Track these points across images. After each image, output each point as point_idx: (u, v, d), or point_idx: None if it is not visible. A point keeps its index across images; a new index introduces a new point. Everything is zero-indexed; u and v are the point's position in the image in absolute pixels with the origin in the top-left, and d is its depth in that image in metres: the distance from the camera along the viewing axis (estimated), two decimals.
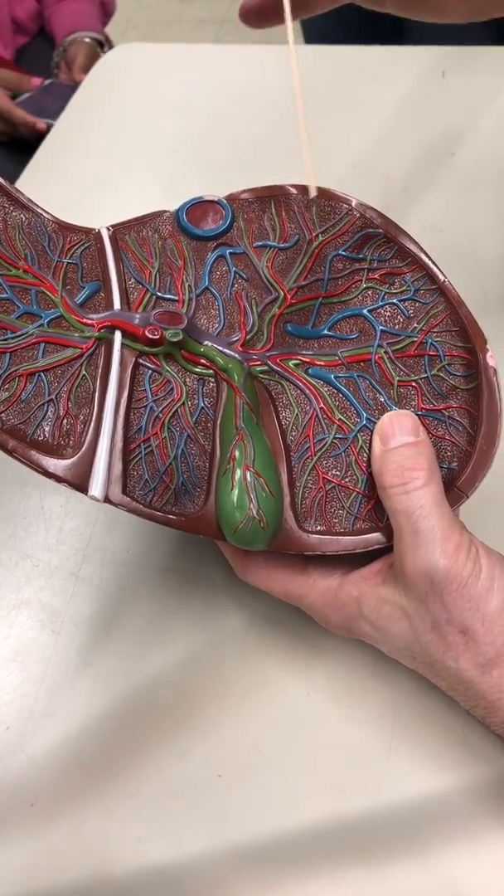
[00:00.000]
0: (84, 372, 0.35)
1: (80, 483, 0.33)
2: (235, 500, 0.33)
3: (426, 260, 0.38)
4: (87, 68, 1.11)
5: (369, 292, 0.38)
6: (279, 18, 0.38)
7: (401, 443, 0.34)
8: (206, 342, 0.36)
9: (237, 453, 0.34)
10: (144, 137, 0.75)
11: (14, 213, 0.37)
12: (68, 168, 0.74)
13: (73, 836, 0.37)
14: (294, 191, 0.39)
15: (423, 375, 0.37)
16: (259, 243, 0.38)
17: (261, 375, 0.37)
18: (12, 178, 0.56)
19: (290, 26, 0.34)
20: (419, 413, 0.36)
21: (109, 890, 0.35)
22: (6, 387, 0.34)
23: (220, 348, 0.36)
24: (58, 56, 1.25)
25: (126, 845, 0.36)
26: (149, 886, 0.35)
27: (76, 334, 0.35)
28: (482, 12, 0.38)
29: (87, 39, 1.24)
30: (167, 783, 0.38)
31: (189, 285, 0.38)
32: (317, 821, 0.36)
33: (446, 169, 0.66)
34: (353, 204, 0.38)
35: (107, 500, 0.33)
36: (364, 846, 0.35)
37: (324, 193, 0.38)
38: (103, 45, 1.27)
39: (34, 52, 1.28)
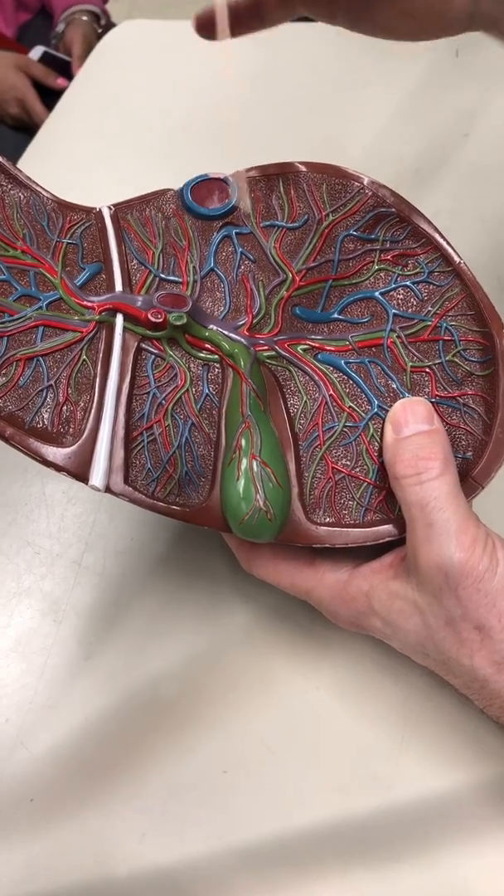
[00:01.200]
0: (84, 357, 0.34)
1: (80, 472, 0.32)
2: (241, 490, 0.32)
3: (441, 241, 0.36)
4: (84, 57, 1.10)
5: (381, 274, 0.37)
6: (237, 30, 0.36)
7: (414, 431, 0.33)
8: (211, 326, 0.35)
9: (243, 442, 0.33)
10: (149, 117, 0.74)
11: (12, 192, 0.36)
12: (71, 148, 0.73)
13: (73, 834, 0.36)
14: (304, 168, 0.37)
15: (438, 361, 0.36)
16: (267, 223, 0.37)
17: (268, 361, 0.35)
18: (14, 158, 0.55)
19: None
20: (433, 400, 0.35)
21: (111, 890, 0.35)
22: (3, 372, 0.33)
23: (226, 332, 0.35)
24: (55, 38, 1.23)
25: (129, 843, 0.36)
26: (152, 886, 0.35)
27: (76, 317, 0.34)
28: (429, 33, 0.37)
29: (84, 17, 1.22)
30: (171, 779, 0.37)
31: (194, 267, 0.36)
32: (325, 820, 0.35)
33: (460, 150, 0.65)
34: (365, 182, 0.37)
35: (108, 490, 0.32)
36: (374, 846, 0.35)
37: (335, 171, 0.37)
38: (100, 18, 1.25)
39: (36, 29, 1.26)
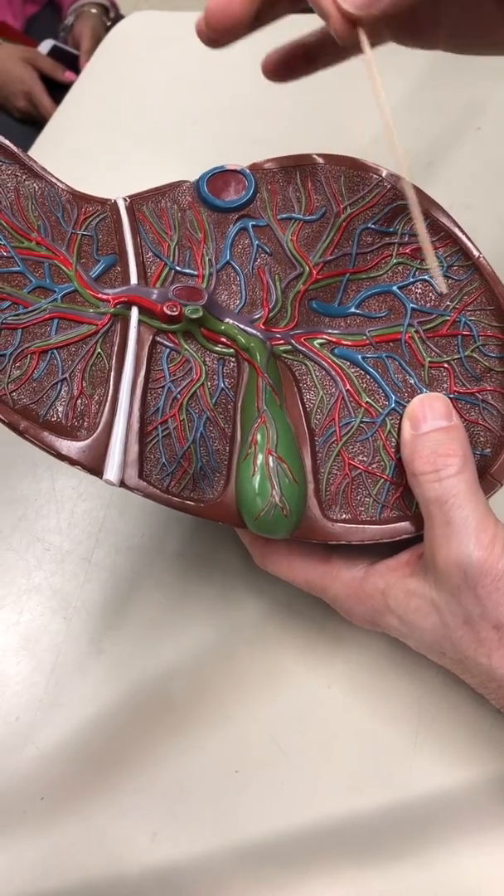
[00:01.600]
0: (99, 350, 0.33)
1: (94, 466, 0.32)
2: (257, 486, 0.31)
3: (460, 234, 0.36)
4: (93, 51, 1.09)
5: (399, 268, 0.36)
6: (305, 69, 0.35)
7: (433, 427, 0.32)
8: (226, 319, 0.35)
9: (259, 437, 0.32)
10: (159, 109, 0.73)
11: (27, 183, 0.35)
12: (79, 141, 0.72)
13: (84, 833, 0.36)
14: (321, 160, 0.37)
15: (456, 356, 0.35)
16: (283, 215, 0.36)
17: (284, 355, 0.35)
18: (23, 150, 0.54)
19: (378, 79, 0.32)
20: (451, 396, 0.35)
21: (122, 889, 0.34)
22: (17, 365, 0.32)
23: (242, 326, 0.35)
24: (64, 31, 1.22)
25: (139, 843, 0.35)
26: (163, 885, 0.34)
27: (91, 310, 0.34)
28: None
29: (93, 10, 1.21)
30: (182, 778, 0.37)
31: (209, 259, 0.36)
32: (338, 819, 0.35)
33: (472, 143, 0.64)
34: (384, 174, 0.36)
35: (122, 484, 0.32)
36: (387, 846, 0.34)
37: (353, 163, 0.36)
38: (109, 10, 1.24)
39: (45, 22, 1.26)
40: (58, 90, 1.09)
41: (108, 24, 1.21)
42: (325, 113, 0.67)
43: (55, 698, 0.39)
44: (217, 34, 0.31)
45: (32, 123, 1.14)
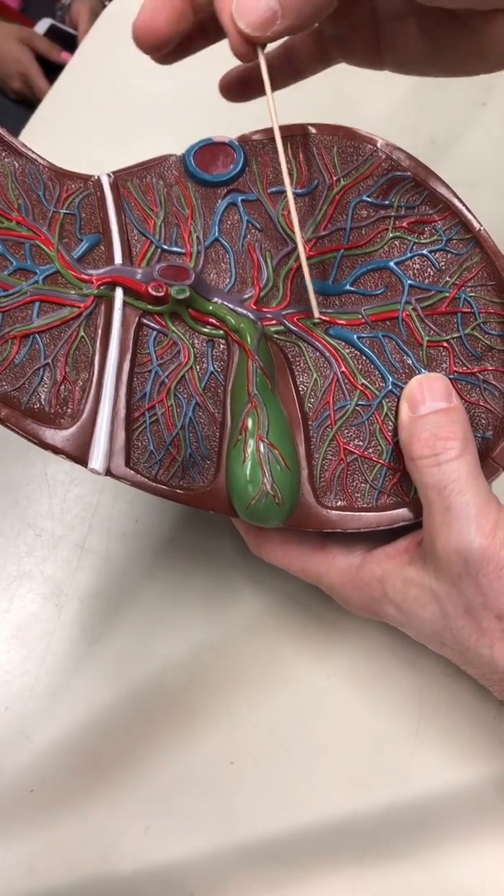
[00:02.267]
0: (82, 333, 0.32)
1: (79, 455, 0.31)
2: (248, 473, 0.30)
3: (460, 206, 0.34)
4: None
5: (396, 243, 0.35)
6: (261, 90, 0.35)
7: (432, 409, 0.31)
8: (215, 299, 0.33)
9: (250, 422, 0.31)
10: (155, 88, 0.71)
11: (7, 160, 0.34)
12: (74, 120, 0.70)
13: (76, 826, 0.35)
14: (314, 130, 0.35)
15: (456, 335, 0.34)
16: (274, 189, 0.35)
17: (276, 336, 0.34)
18: (15, 132, 0.53)
19: (271, 100, 0.32)
20: (451, 376, 0.33)
21: (114, 884, 0.34)
22: None
23: (231, 306, 0.33)
24: (61, 10, 1.20)
25: (132, 836, 0.35)
26: (156, 880, 0.34)
27: (73, 292, 0.32)
28: (497, 68, 0.34)
29: None
30: (176, 770, 0.36)
31: (197, 237, 0.34)
32: (336, 813, 0.34)
33: (477, 120, 0.62)
34: (379, 144, 0.35)
35: (108, 473, 0.31)
36: (387, 840, 0.34)
37: (346, 132, 0.35)
38: None
39: (41, 1, 1.23)
40: (54, 71, 1.07)
41: (107, 3, 1.19)
42: (325, 90, 0.65)
43: (46, 688, 0.39)
44: (149, 51, 0.32)
45: (27, 105, 1.11)
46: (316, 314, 0.33)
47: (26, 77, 1.08)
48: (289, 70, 0.37)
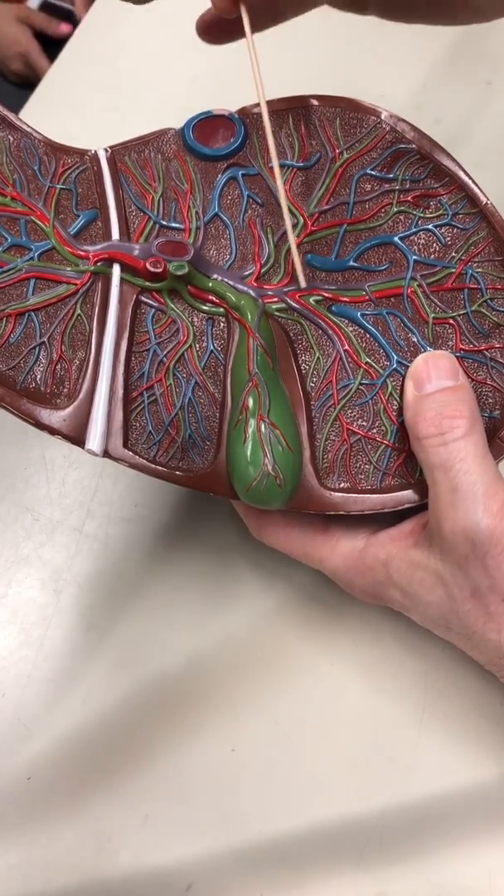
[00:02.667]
0: (79, 311, 0.31)
1: (76, 435, 0.30)
2: (249, 454, 0.30)
3: (466, 179, 0.34)
4: (88, 4, 1.05)
5: (401, 217, 0.34)
6: (240, 32, 0.33)
7: (438, 387, 0.30)
8: (215, 276, 0.33)
9: (250, 402, 0.30)
10: (157, 67, 0.70)
11: (1, 135, 0.33)
12: (75, 99, 0.70)
13: (73, 814, 0.35)
14: (316, 102, 0.34)
15: (462, 311, 0.33)
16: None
17: (277, 314, 0.33)
18: (15, 112, 0.52)
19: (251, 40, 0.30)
20: (457, 354, 0.32)
21: (112, 873, 0.33)
22: None
23: (232, 283, 0.33)
24: None
25: (131, 825, 0.34)
26: (154, 870, 0.33)
27: (69, 269, 0.32)
28: (484, 17, 0.32)
29: None
30: (176, 758, 0.35)
31: (196, 212, 0.33)
32: (339, 800, 0.34)
33: (482, 99, 0.61)
34: (383, 116, 0.34)
35: (106, 454, 0.30)
36: (391, 831, 0.33)
37: (349, 104, 0.34)
38: None
39: None
40: (53, 49, 1.05)
41: None
42: (328, 70, 0.64)
43: (44, 674, 0.38)
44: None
45: (29, 86, 1.10)
46: (303, 283, 0.32)
47: (27, 57, 1.06)
48: (268, 12, 0.34)
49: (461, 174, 0.34)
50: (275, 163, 0.31)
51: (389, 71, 0.65)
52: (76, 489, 0.44)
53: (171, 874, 0.33)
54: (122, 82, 0.70)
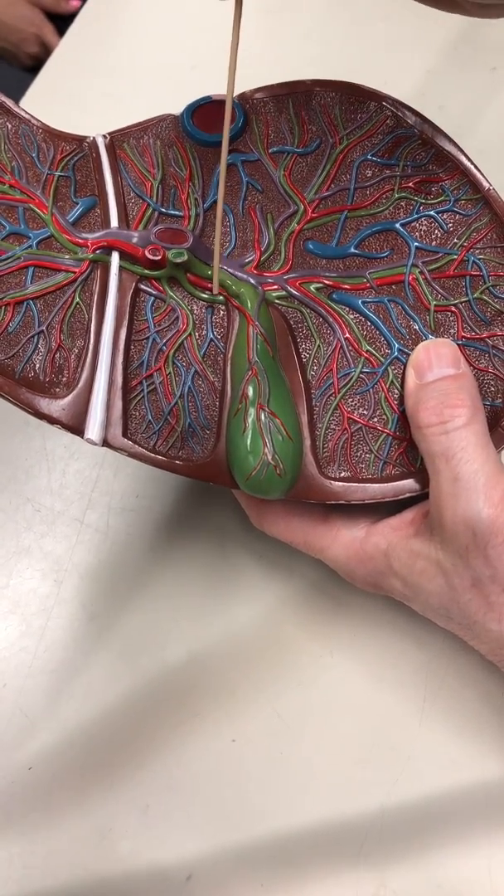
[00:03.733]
0: (78, 299, 0.31)
1: (75, 425, 0.30)
2: (248, 443, 0.29)
3: (468, 164, 0.33)
4: None
5: (402, 203, 0.33)
6: None
7: (439, 376, 0.30)
8: None
9: (250, 391, 0.30)
10: (158, 52, 0.70)
11: None
12: (76, 86, 0.69)
13: (74, 804, 0.35)
14: (316, 87, 0.34)
15: (464, 299, 0.33)
16: (275, 149, 0.34)
17: (277, 302, 0.33)
18: (16, 96, 0.52)
19: None
20: (459, 342, 0.32)
21: (113, 862, 0.33)
22: None
23: (231, 271, 0.32)
24: None
25: (132, 815, 0.34)
26: (154, 859, 0.33)
27: (67, 256, 0.31)
28: None
29: None
30: (177, 748, 0.35)
31: (196, 199, 0.33)
32: (340, 791, 0.34)
33: (487, 85, 0.60)
34: (384, 101, 0.33)
35: (105, 443, 0.30)
36: (391, 823, 0.33)
37: (350, 88, 0.33)
38: None
39: None
40: (65, 27, 1.04)
41: None
42: (331, 56, 0.63)
43: (45, 664, 0.38)
44: None
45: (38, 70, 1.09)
46: (215, 290, 0.32)
47: (41, 38, 1.05)
48: None
49: (463, 159, 0.33)
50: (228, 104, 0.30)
51: (393, 57, 0.64)
52: (77, 480, 0.44)
53: (171, 865, 0.33)
54: (124, 68, 0.69)
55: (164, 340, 0.31)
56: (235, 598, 0.38)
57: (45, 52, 1.06)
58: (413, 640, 0.36)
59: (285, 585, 0.38)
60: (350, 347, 0.32)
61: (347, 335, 0.32)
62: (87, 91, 0.68)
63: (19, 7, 1.06)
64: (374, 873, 0.32)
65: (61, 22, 1.06)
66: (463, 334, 0.32)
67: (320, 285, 0.33)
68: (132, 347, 0.31)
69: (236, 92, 0.35)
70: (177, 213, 0.33)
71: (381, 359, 0.32)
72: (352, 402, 0.32)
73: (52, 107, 0.66)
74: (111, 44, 0.73)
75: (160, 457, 0.30)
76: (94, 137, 0.34)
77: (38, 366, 0.30)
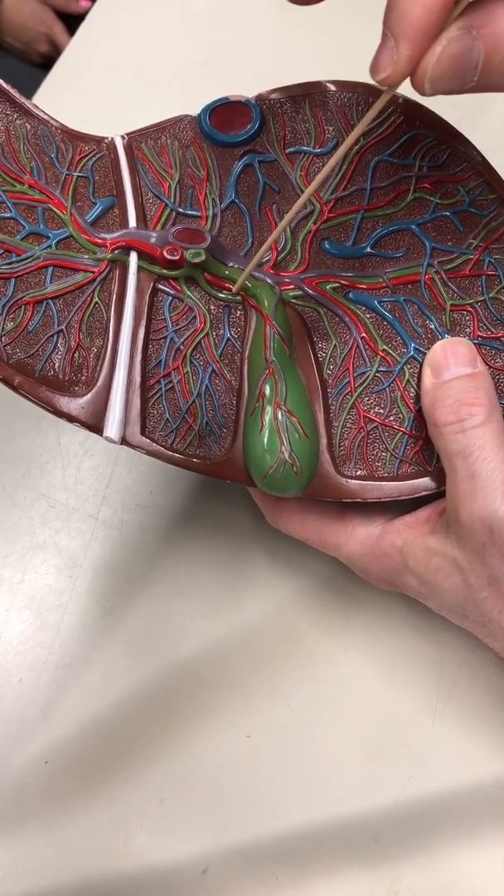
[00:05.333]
0: (97, 299, 0.31)
1: (94, 423, 0.30)
2: (265, 442, 0.30)
3: (484, 164, 0.33)
4: None
5: (418, 203, 0.33)
6: None
7: (456, 374, 0.30)
8: (231, 263, 0.33)
9: (267, 390, 0.30)
10: (171, 49, 0.70)
11: (18, 122, 0.33)
12: (88, 83, 0.69)
13: (89, 798, 0.35)
14: (333, 87, 0.34)
15: (480, 298, 0.33)
16: (292, 149, 0.34)
17: (294, 301, 0.33)
18: (28, 94, 0.52)
19: None
20: (475, 341, 0.32)
21: (128, 856, 0.33)
22: (11, 316, 0.30)
23: None
24: None
25: (148, 809, 0.35)
26: (170, 853, 0.33)
27: (86, 256, 0.32)
28: None
29: None
30: (191, 743, 0.36)
31: (213, 199, 0.33)
32: (353, 788, 0.34)
33: None
34: (400, 101, 0.34)
35: (124, 441, 0.30)
36: (405, 818, 0.33)
37: (367, 89, 0.34)
38: None
39: None
40: (75, 26, 1.04)
41: None
42: (345, 52, 0.63)
43: (60, 659, 0.38)
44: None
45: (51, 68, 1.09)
46: (236, 289, 0.32)
47: (51, 37, 1.05)
48: None
49: (479, 159, 0.33)
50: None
51: None
52: (91, 476, 0.44)
53: (187, 858, 0.34)
54: (135, 65, 0.69)
55: (182, 340, 0.32)
56: (249, 594, 0.39)
57: (56, 50, 1.06)
58: (427, 637, 0.36)
59: (299, 582, 0.39)
60: (366, 346, 0.33)
61: (364, 334, 0.33)
62: (99, 88, 0.68)
63: (30, 6, 1.06)
64: (389, 868, 0.32)
65: (72, 21, 1.06)
66: (479, 333, 0.33)
67: (337, 285, 0.33)
68: (150, 347, 0.31)
69: (252, 92, 0.35)
70: (194, 213, 0.33)
71: (398, 358, 0.32)
72: (368, 400, 0.32)
73: (64, 103, 0.67)
74: (122, 40, 0.73)
75: (178, 455, 0.31)
76: (112, 138, 0.34)
77: (57, 365, 0.31)
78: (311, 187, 0.28)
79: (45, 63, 1.08)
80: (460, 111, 0.57)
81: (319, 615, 0.38)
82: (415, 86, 0.24)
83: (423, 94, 0.24)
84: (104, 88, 0.68)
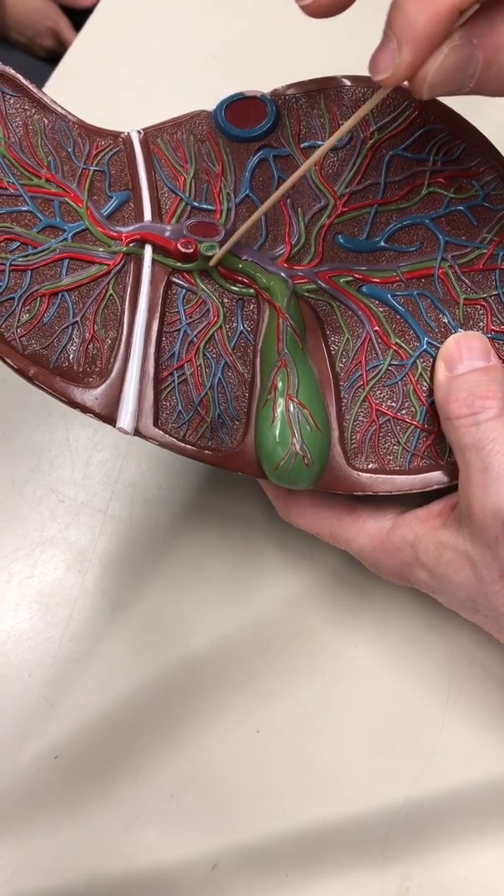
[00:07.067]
0: (111, 291, 0.32)
1: (107, 414, 0.30)
2: (277, 434, 0.30)
3: (498, 159, 0.33)
4: None
5: (432, 198, 0.34)
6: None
7: (469, 368, 0.30)
8: (245, 257, 0.33)
9: (279, 382, 0.31)
10: (181, 41, 0.70)
11: (36, 117, 0.33)
12: (98, 76, 0.69)
13: (99, 793, 0.35)
14: (348, 83, 0.34)
15: (494, 293, 0.33)
16: (307, 144, 0.34)
17: (307, 295, 0.33)
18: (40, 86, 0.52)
19: None
20: (489, 335, 0.32)
21: (138, 852, 0.33)
22: (27, 308, 0.31)
23: (262, 264, 0.33)
24: None
25: (158, 804, 0.34)
26: (180, 849, 0.33)
27: (101, 249, 0.32)
28: None
29: None
30: (201, 738, 0.35)
31: (228, 193, 0.34)
32: (363, 784, 0.34)
33: None
34: (415, 95, 0.34)
35: (137, 432, 0.30)
36: (417, 817, 0.33)
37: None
38: None
39: None
40: (80, 22, 1.04)
41: None
42: (354, 44, 0.63)
43: (70, 654, 0.38)
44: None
45: (58, 62, 1.09)
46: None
47: (56, 32, 1.06)
48: None
49: (493, 154, 0.33)
50: None
51: None
52: (100, 471, 0.44)
53: (197, 854, 0.33)
54: (142, 59, 0.69)
55: (195, 332, 0.32)
56: (259, 588, 0.39)
57: (60, 45, 1.06)
58: (438, 632, 0.36)
59: (309, 576, 0.39)
60: (379, 340, 0.33)
61: (377, 328, 0.33)
62: (106, 81, 0.68)
63: (35, 1, 1.06)
64: (399, 865, 0.32)
65: (76, 16, 1.06)
66: (492, 328, 0.33)
67: (350, 278, 0.33)
68: (164, 339, 0.31)
69: (260, 85, 0.35)
70: (209, 207, 0.33)
71: (410, 351, 0.32)
72: (380, 394, 0.32)
73: (71, 96, 0.67)
74: (129, 34, 0.73)
75: (190, 446, 0.31)
76: (128, 133, 0.34)
77: (72, 356, 0.31)
78: (309, 162, 0.28)
79: (50, 58, 1.08)
80: (473, 108, 0.58)
81: (330, 609, 0.38)
82: (413, 89, 0.24)
83: (420, 97, 0.24)
84: (111, 82, 0.68)
